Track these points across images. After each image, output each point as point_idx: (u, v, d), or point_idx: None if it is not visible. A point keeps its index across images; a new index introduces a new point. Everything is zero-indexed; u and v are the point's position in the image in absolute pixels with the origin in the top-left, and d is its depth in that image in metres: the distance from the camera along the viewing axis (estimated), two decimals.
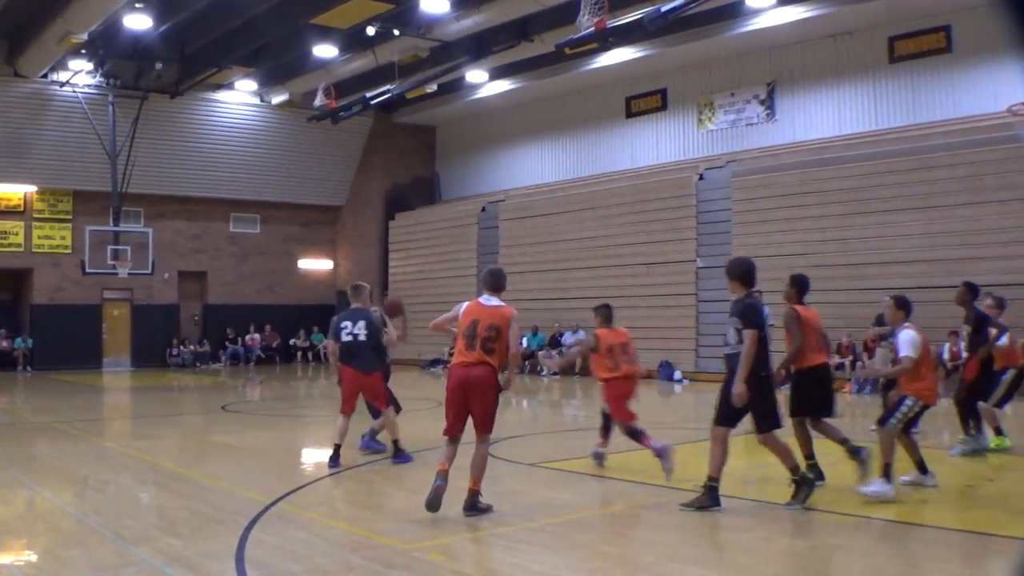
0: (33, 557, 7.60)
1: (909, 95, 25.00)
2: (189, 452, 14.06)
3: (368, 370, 11.70)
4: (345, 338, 11.62)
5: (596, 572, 7.05)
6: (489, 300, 9.11)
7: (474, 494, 8.85)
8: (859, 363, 21.94)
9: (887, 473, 9.06)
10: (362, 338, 11.61)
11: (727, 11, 25.21)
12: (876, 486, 9.03)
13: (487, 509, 8.90)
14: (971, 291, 12.82)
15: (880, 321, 20.95)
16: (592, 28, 20.87)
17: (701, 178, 27.43)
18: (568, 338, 28.59)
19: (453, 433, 8.89)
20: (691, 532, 8.28)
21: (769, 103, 28.08)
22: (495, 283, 9.26)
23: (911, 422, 9.57)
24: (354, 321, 11.70)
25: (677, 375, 25.33)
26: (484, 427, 8.91)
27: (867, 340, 21.91)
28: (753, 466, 12.27)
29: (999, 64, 23.02)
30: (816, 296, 23.58)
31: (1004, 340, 12.29)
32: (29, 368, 33.11)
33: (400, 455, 11.69)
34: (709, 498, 8.72)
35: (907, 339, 9.59)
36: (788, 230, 24.48)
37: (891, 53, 25.33)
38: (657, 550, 7.58)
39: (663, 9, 20.11)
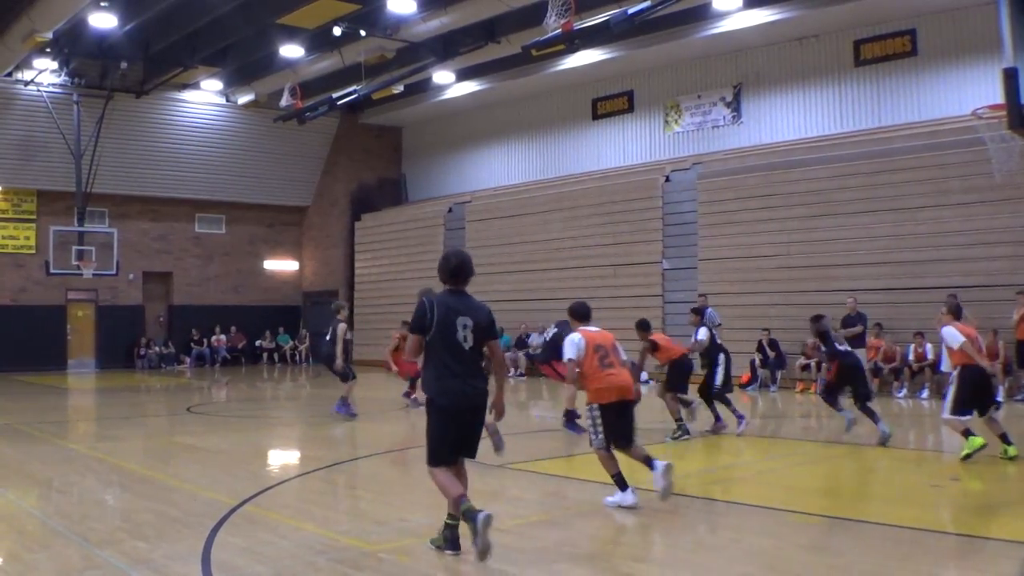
0: None
1: (874, 98, 25.17)
2: (154, 454, 13.97)
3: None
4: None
5: (562, 573, 7.05)
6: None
7: (569, 413, 9.90)
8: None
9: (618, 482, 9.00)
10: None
11: (693, 14, 25.28)
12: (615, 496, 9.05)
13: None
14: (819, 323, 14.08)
15: (846, 322, 21.15)
16: (559, 30, 20.89)
17: (667, 180, 27.50)
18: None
19: None
20: (658, 533, 8.31)
21: (735, 105, 28.21)
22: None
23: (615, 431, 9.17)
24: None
25: (644, 376, 25.27)
26: None
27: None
28: (720, 467, 12.33)
29: (964, 68, 23.28)
30: (782, 298, 23.92)
31: None
32: None
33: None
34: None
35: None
36: (754, 232, 24.58)
37: (856, 56, 25.50)
38: (624, 551, 7.60)
39: (630, 11, 20.14)
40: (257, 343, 37.80)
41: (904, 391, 20.91)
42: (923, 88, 24.31)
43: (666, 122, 30.01)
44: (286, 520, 8.91)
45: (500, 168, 35.34)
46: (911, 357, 20.91)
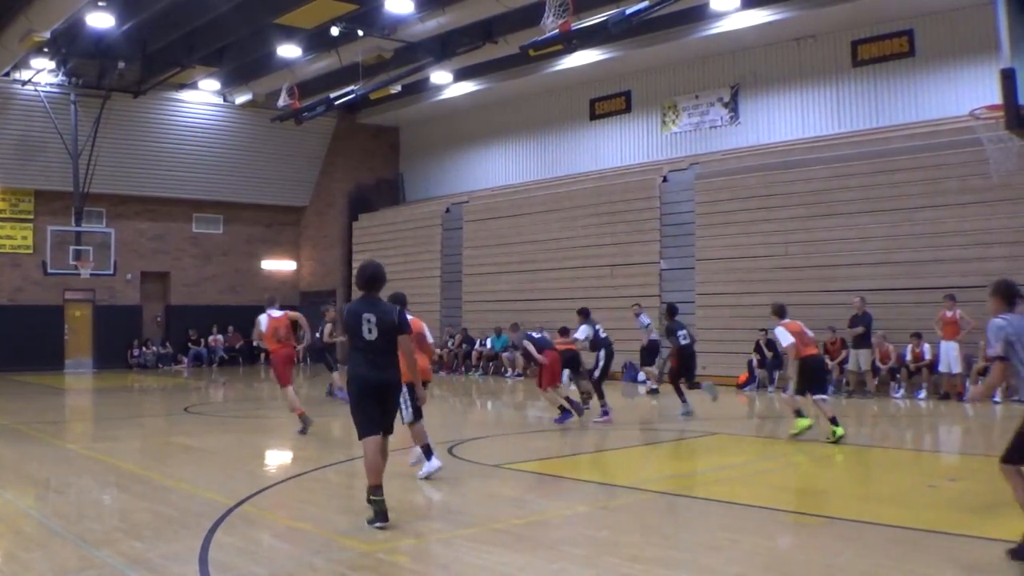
0: None
1: (872, 98, 25.18)
2: (151, 454, 13.95)
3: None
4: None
5: (560, 573, 7.05)
6: None
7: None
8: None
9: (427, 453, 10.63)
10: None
11: (691, 14, 25.28)
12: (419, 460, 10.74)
13: None
14: (671, 312, 18.24)
15: (854, 322, 21.14)
16: (557, 30, 20.88)
17: (665, 180, 27.51)
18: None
19: None
20: (655, 533, 8.31)
21: (733, 106, 28.21)
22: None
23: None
24: None
25: (641, 377, 25.22)
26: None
27: (826, 343, 22.02)
28: (717, 467, 12.33)
29: (961, 68, 23.28)
30: (781, 298, 23.91)
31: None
32: None
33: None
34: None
35: None
36: (752, 232, 24.59)
37: (854, 57, 25.50)
38: (621, 551, 7.59)
39: (627, 11, 20.15)
40: (255, 343, 37.66)
41: (901, 391, 20.89)
42: (921, 88, 24.32)
43: (663, 122, 30.01)
44: (283, 520, 8.91)
45: (498, 168, 35.33)
46: (908, 357, 20.89)
